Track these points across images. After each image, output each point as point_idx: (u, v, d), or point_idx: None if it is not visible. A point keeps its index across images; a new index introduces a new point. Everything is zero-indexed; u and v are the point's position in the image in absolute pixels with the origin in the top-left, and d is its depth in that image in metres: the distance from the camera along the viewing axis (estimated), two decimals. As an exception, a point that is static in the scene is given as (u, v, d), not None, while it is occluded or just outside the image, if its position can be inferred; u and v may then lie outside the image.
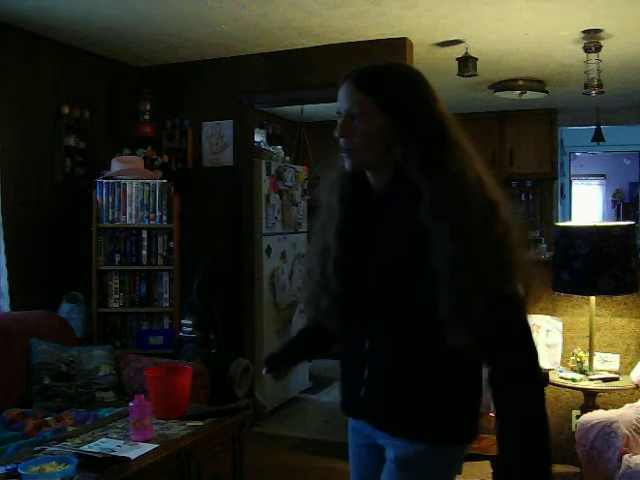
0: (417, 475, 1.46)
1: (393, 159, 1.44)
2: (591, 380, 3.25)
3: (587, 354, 3.36)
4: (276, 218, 4.95)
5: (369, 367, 1.49)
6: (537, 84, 5.33)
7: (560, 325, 3.61)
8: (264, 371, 1.82)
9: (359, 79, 1.44)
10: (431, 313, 1.35)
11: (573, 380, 3.26)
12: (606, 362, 3.42)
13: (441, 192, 1.35)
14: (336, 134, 1.47)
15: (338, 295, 1.51)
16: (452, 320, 1.33)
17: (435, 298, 1.34)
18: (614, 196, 10.67)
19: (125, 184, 4.06)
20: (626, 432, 2.68)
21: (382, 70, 1.46)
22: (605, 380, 3.24)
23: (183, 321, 4.01)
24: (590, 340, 3.33)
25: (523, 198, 6.98)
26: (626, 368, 3.44)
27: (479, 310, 1.31)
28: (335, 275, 1.50)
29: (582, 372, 3.34)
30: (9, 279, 3.61)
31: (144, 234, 4.10)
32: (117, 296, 4.09)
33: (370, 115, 1.41)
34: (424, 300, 1.36)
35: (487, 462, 3.14)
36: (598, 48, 4.12)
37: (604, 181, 10.84)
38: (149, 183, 4.09)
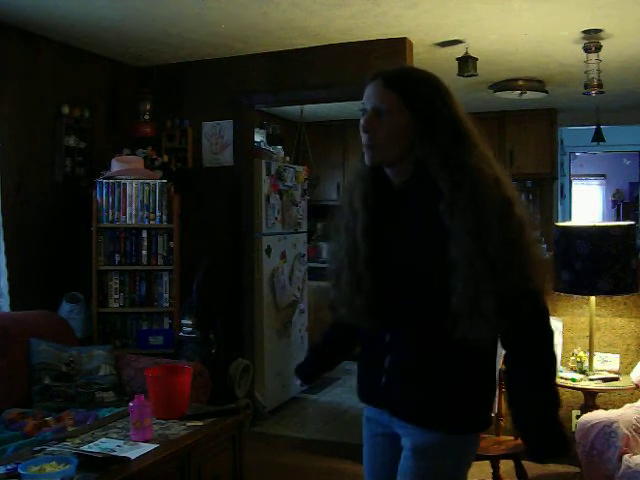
0: (434, 463, 1.52)
1: (413, 157, 1.51)
2: (591, 380, 3.25)
3: (587, 354, 3.36)
4: (276, 218, 4.95)
5: (390, 357, 1.55)
6: (537, 84, 5.33)
7: (560, 325, 3.61)
8: (298, 383, 1.91)
9: (389, 78, 1.51)
10: (448, 304, 1.41)
11: (573, 380, 3.26)
12: (606, 362, 3.42)
13: (460, 188, 1.42)
14: (361, 129, 1.53)
15: (371, 292, 1.55)
16: (467, 314, 1.39)
17: (451, 290, 1.41)
18: (614, 196, 10.67)
19: (125, 184, 4.06)
20: (626, 432, 2.68)
21: (410, 72, 1.57)
22: (605, 380, 3.24)
23: (183, 321, 4.01)
24: (590, 340, 3.34)
25: (523, 198, 6.98)
26: (626, 368, 3.44)
27: (494, 305, 1.38)
28: (367, 273, 1.55)
29: (582, 372, 3.34)
30: (9, 279, 3.61)
31: (144, 234, 4.09)
32: (117, 296, 4.09)
33: (397, 113, 1.48)
34: (443, 293, 1.42)
35: (487, 462, 3.14)
36: (598, 48, 4.12)
37: (604, 181, 10.84)
38: (149, 183, 4.09)
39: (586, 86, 4.30)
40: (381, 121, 1.49)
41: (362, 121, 1.52)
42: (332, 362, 1.92)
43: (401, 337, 1.54)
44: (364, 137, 1.53)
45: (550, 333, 1.49)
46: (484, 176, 1.44)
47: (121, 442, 2.42)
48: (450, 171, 1.44)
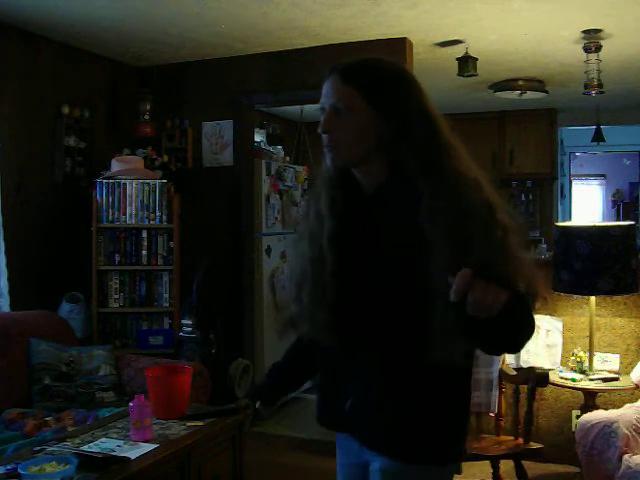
0: None
1: (384, 158, 1.38)
2: (591, 380, 3.25)
3: (587, 354, 3.36)
4: (276, 218, 4.95)
5: (357, 378, 1.41)
6: (537, 84, 5.33)
7: (560, 325, 3.61)
8: (257, 404, 1.72)
9: (346, 72, 1.39)
10: (426, 324, 1.25)
11: (573, 380, 3.26)
12: (606, 362, 3.42)
13: (440, 194, 1.29)
14: (319, 130, 1.41)
15: (335, 305, 1.40)
16: (445, 329, 1.23)
17: (431, 307, 1.25)
18: (614, 196, 10.66)
19: (125, 184, 4.06)
20: (626, 432, 2.68)
21: (371, 64, 1.41)
22: (605, 380, 3.24)
23: (183, 321, 4.01)
24: (590, 340, 3.33)
25: (523, 198, 6.98)
26: (626, 368, 3.44)
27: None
28: (333, 284, 1.40)
29: (582, 372, 3.34)
30: (9, 279, 3.61)
31: (144, 234, 4.09)
32: (117, 296, 4.09)
33: (357, 110, 1.35)
34: (420, 309, 1.27)
35: (487, 462, 3.14)
36: (598, 48, 4.12)
37: (604, 181, 10.84)
38: (149, 183, 4.09)
39: (586, 86, 4.30)
40: (340, 120, 1.37)
41: (320, 121, 1.40)
42: (295, 384, 1.74)
43: (370, 356, 1.39)
44: (324, 138, 1.40)
45: (530, 326, 1.30)
46: (465, 180, 1.30)
47: (121, 442, 2.42)
48: (429, 175, 1.31)
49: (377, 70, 1.39)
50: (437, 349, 1.25)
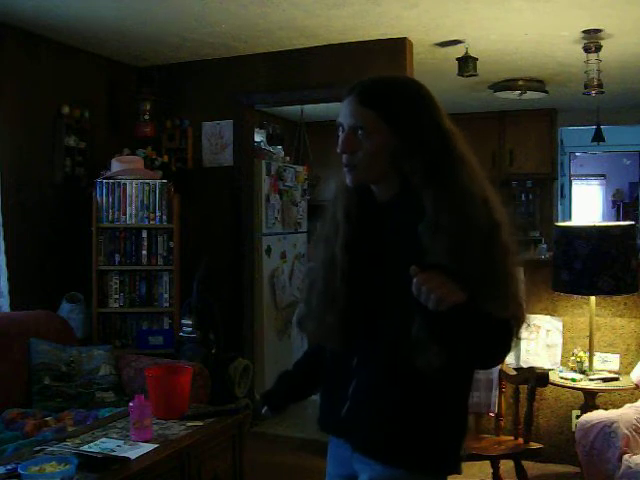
0: None
1: (398, 172, 1.40)
2: (591, 380, 3.25)
3: (587, 354, 3.36)
4: (276, 218, 4.95)
5: (355, 384, 1.43)
6: (537, 84, 5.33)
7: (560, 325, 3.61)
8: (264, 410, 1.72)
9: (363, 94, 1.39)
10: (410, 331, 1.28)
11: (573, 380, 3.27)
12: (606, 362, 3.42)
13: (444, 208, 1.30)
14: (338, 150, 1.42)
15: (343, 309, 1.44)
16: (429, 340, 1.25)
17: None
18: (614, 196, 10.67)
19: (125, 184, 4.06)
20: (626, 432, 2.68)
21: (386, 84, 1.43)
22: (605, 380, 3.24)
23: (183, 321, 4.00)
24: (590, 340, 3.34)
25: (523, 198, 6.98)
26: (626, 368, 3.44)
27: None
28: (342, 289, 1.44)
29: (582, 372, 3.34)
30: (9, 279, 3.61)
31: (144, 234, 4.09)
32: (117, 296, 4.09)
33: (375, 131, 1.37)
34: (409, 317, 1.28)
35: (487, 462, 3.14)
36: (598, 48, 4.12)
37: (604, 181, 10.84)
38: (149, 183, 4.09)
39: (586, 86, 4.31)
40: (359, 141, 1.38)
41: (339, 141, 1.41)
42: (303, 392, 1.74)
43: (368, 362, 1.41)
44: (343, 158, 1.42)
45: (500, 348, 1.33)
46: (471, 196, 1.32)
47: (121, 442, 2.42)
48: (434, 190, 1.33)
49: (393, 90, 1.41)
50: (417, 355, 1.28)
